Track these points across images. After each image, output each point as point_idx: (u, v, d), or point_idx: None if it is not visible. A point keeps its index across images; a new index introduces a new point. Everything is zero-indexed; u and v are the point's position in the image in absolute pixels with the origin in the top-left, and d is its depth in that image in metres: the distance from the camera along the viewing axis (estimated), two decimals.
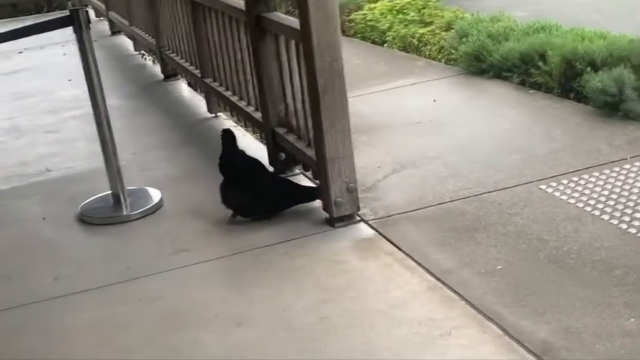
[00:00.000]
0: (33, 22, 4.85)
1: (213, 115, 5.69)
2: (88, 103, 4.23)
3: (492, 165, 4.19)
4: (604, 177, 3.89)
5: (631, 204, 3.58)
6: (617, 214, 3.50)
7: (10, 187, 4.86)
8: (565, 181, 3.89)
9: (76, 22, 4.02)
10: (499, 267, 3.21)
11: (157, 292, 3.37)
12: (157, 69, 7.13)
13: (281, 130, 4.26)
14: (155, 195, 4.31)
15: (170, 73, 6.86)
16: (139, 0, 7.32)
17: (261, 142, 4.78)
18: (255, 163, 4.05)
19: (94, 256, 3.82)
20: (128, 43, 8.55)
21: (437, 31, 6.71)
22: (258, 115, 4.56)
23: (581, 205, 3.63)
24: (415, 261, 3.32)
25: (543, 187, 3.86)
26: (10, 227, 4.28)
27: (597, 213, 3.53)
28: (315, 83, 3.52)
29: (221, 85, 5.31)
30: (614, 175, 3.90)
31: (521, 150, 4.34)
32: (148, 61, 7.72)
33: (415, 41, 6.81)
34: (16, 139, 5.86)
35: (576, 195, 3.72)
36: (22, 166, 5.17)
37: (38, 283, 3.59)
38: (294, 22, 3.80)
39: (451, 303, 3.00)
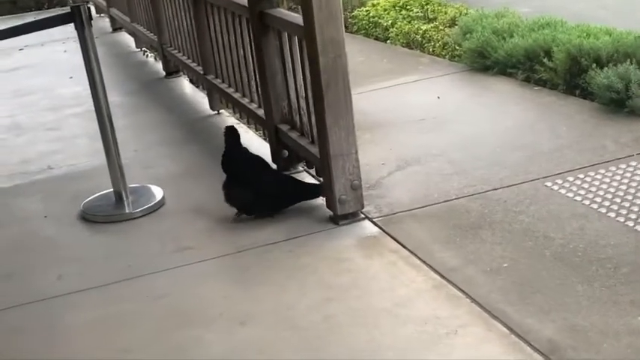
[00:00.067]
0: (33, 19, 4.83)
1: (216, 112, 5.67)
2: (89, 100, 4.21)
3: (497, 162, 4.17)
4: (610, 174, 3.86)
5: (637, 201, 3.55)
6: (624, 211, 3.48)
7: (12, 185, 4.84)
8: (571, 179, 3.86)
9: (78, 18, 4.00)
10: (504, 265, 3.19)
11: (160, 290, 3.35)
12: (159, 66, 7.11)
13: (284, 127, 4.24)
14: (157, 193, 4.29)
15: (172, 70, 6.83)
16: None
17: (264, 139, 4.76)
18: (259, 160, 4.03)
19: (97, 254, 3.80)
20: (129, 40, 8.52)
21: (441, 28, 6.68)
22: (260, 112, 4.54)
23: (587, 202, 3.60)
24: (420, 259, 3.30)
25: (549, 184, 3.84)
26: (12, 225, 4.26)
27: (603, 210, 3.51)
28: (318, 79, 3.50)
29: (223, 81, 5.28)
30: (620, 172, 3.87)
31: (526, 147, 4.32)
32: (150, 58, 7.70)
33: (419, 37, 6.78)
34: (18, 136, 5.84)
35: (582, 192, 3.70)
36: (23, 164, 5.15)
37: (40, 281, 3.57)
38: (297, 18, 3.78)
39: (456, 301, 2.98)
